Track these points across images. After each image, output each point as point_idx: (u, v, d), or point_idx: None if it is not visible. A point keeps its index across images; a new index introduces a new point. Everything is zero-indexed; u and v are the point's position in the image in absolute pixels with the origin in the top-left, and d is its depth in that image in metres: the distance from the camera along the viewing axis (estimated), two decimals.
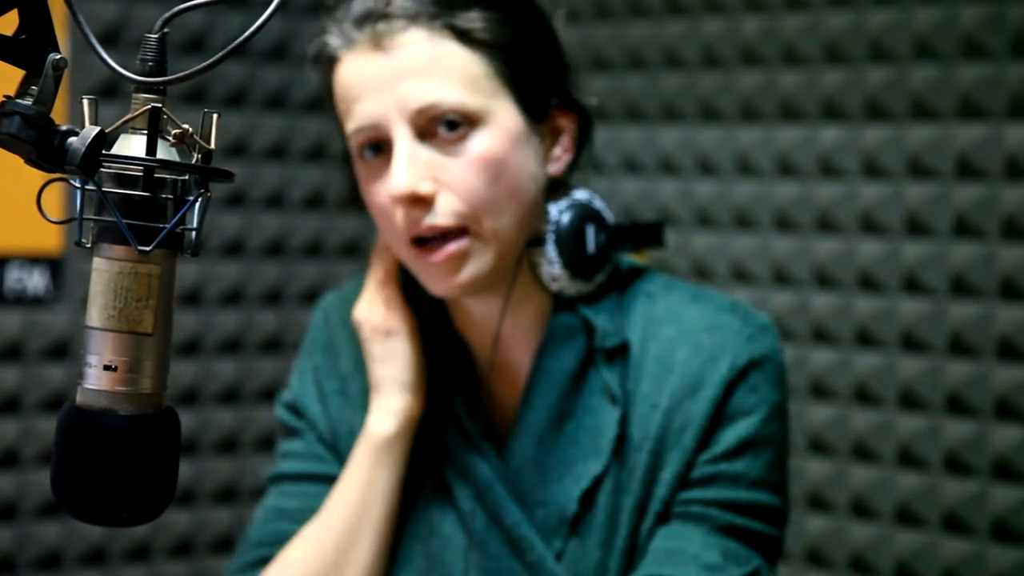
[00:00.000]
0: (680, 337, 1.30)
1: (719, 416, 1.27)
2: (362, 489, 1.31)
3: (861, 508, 2.24)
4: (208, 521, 2.62)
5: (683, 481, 1.27)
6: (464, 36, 1.24)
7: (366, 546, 1.31)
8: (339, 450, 1.37)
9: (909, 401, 2.19)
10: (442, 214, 1.24)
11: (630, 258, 1.38)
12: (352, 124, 1.26)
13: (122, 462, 0.77)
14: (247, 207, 2.68)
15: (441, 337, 1.35)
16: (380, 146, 1.26)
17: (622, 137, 2.54)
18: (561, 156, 1.32)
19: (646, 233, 1.36)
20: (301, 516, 1.34)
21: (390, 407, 1.32)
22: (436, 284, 1.27)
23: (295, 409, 1.41)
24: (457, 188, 1.24)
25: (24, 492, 2.42)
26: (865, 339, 2.24)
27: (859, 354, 2.25)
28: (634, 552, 1.27)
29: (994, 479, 2.10)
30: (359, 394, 1.37)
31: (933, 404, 2.16)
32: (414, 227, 1.25)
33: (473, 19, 1.24)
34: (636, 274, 1.35)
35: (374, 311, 1.34)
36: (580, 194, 1.32)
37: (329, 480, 1.35)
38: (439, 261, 1.25)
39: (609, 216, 1.32)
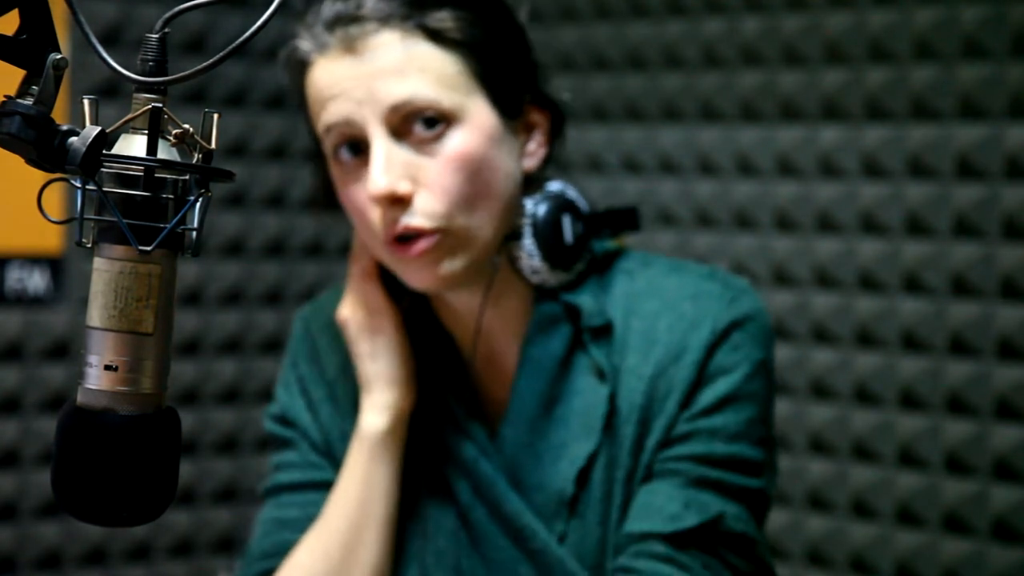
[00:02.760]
0: (663, 308, 1.31)
1: (701, 377, 1.28)
2: (361, 488, 1.31)
3: (861, 508, 2.24)
4: (208, 521, 2.62)
5: (664, 441, 1.28)
6: (436, 36, 1.25)
7: (371, 545, 1.31)
8: (334, 456, 1.37)
9: (909, 401, 2.19)
10: (420, 215, 1.25)
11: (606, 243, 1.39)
12: (325, 123, 1.27)
13: (122, 462, 0.77)
14: (247, 207, 2.68)
15: (427, 333, 1.36)
16: (356, 146, 1.27)
17: (622, 137, 2.54)
18: (536, 151, 1.33)
19: (621, 218, 1.37)
20: (302, 525, 1.34)
21: (381, 403, 1.32)
22: (415, 278, 1.28)
23: (284, 420, 1.41)
24: (434, 187, 1.25)
25: (24, 492, 2.42)
26: (865, 339, 2.24)
27: (859, 354, 2.25)
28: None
29: (994, 479, 2.10)
30: (347, 399, 1.37)
31: (933, 404, 2.16)
32: (392, 227, 1.25)
33: (444, 19, 1.25)
34: (614, 255, 1.36)
35: (358, 309, 1.35)
36: (554, 185, 1.33)
37: (327, 487, 1.35)
38: (415, 256, 1.26)
39: (584, 205, 1.33)
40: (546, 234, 1.30)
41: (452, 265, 1.27)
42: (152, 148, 0.76)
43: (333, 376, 1.39)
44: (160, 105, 0.77)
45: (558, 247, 1.30)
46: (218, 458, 2.64)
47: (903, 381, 2.19)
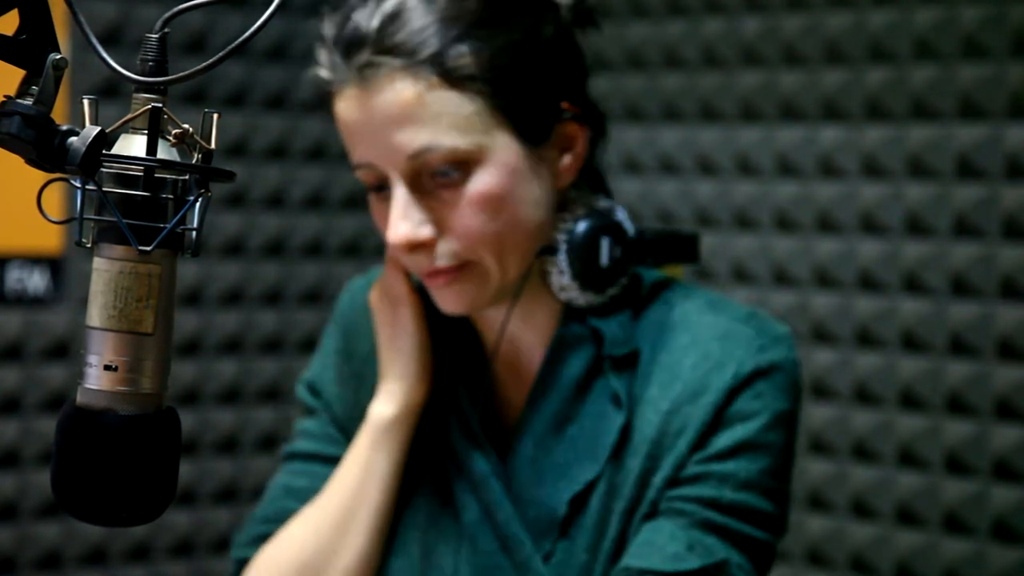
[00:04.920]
0: (691, 345, 1.28)
1: (718, 420, 1.26)
2: (360, 472, 1.32)
3: (861, 508, 2.24)
4: (208, 521, 2.62)
5: (673, 480, 1.26)
6: (452, 77, 1.21)
7: (362, 530, 1.32)
8: (351, 434, 1.37)
9: (909, 401, 2.19)
10: (444, 256, 1.24)
11: (660, 271, 1.36)
12: (354, 162, 1.26)
13: (122, 462, 0.77)
14: (247, 207, 2.68)
15: (457, 330, 1.36)
16: (384, 185, 1.25)
17: (622, 137, 2.54)
18: (571, 165, 1.29)
19: (672, 247, 1.33)
20: (307, 495, 1.35)
21: (392, 392, 1.32)
22: (445, 305, 1.28)
23: (313, 389, 1.42)
24: (458, 231, 1.23)
25: (24, 492, 2.42)
26: (865, 339, 2.24)
27: (859, 354, 2.25)
28: (620, 556, 1.26)
29: (994, 479, 2.10)
30: (375, 379, 1.37)
31: (933, 404, 2.16)
32: (417, 269, 1.26)
33: (462, 55, 1.21)
34: (661, 286, 1.34)
35: (384, 297, 1.35)
36: (603, 203, 1.30)
37: (338, 462, 1.36)
38: (442, 286, 1.26)
39: (630, 228, 1.29)
40: (581, 253, 1.26)
41: (481, 293, 1.26)
42: (152, 148, 0.76)
43: (365, 355, 1.39)
44: (160, 105, 0.77)
45: (592, 268, 1.27)
46: (218, 458, 2.64)
47: (903, 381, 2.19)
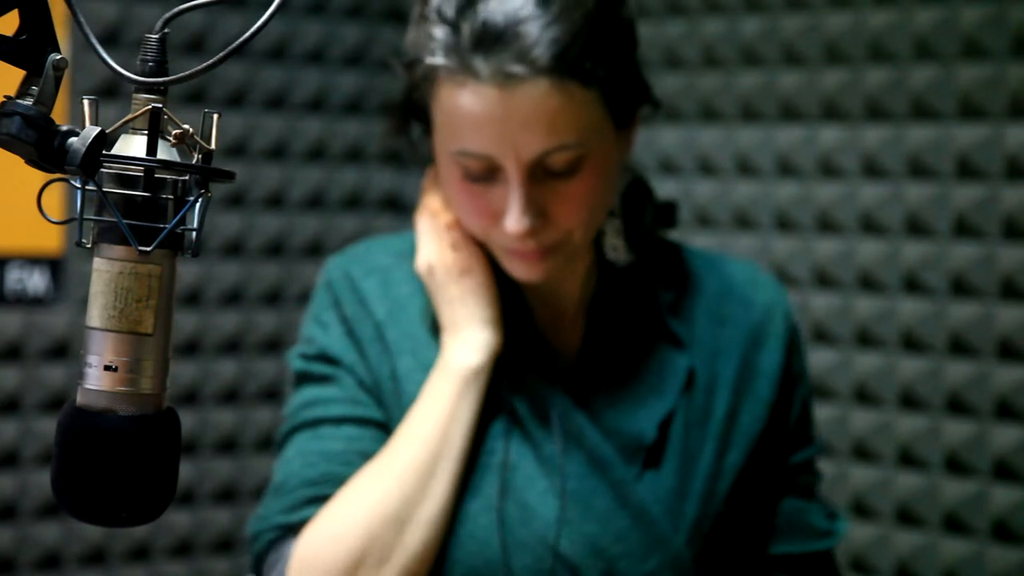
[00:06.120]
0: (725, 290, 1.41)
1: (788, 375, 1.40)
2: (444, 421, 1.33)
3: (861, 508, 2.24)
4: (208, 521, 2.62)
5: (774, 439, 1.39)
6: (586, 80, 1.26)
7: (445, 477, 1.32)
8: (381, 395, 1.38)
9: (909, 401, 2.19)
10: (545, 240, 1.30)
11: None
12: (461, 148, 1.28)
13: (122, 463, 0.77)
14: (247, 207, 2.68)
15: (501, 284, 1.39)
16: (486, 174, 1.29)
17: None
18: (632, 140, 1.38)
19: (666, 211, 1.47)
20: (348, 458, 1.34)
21: (475, 342, 1.35)
22: (520, 272, 1.33)
23: (325, 358, 1.41)
24: (564, 221, 1.29)
25: (24, 492, 2.42)
26: (865, 339, 2.24)
27: (859, 354, 2.25)
28: (718, 479, 1.36)
29: (994, 479, 2.10)
30: (400, 340, 1.39)
31: (933, 404, 2.16)
32: (507, 246, 1.30)
33: (593, 59, 1.26)
34: (663, 239, 1.45)
35: (444, 254, 1.37)
36: (633, 165, 1.41)
37: (371, 424, 1.37)
38: (533, 261, 1.31)
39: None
40: (633, 216, 1.38)
41: (560, 264, 1.33)
42: (152, 148, 0.76)
43: (382, 318, 1.40)
44: (160, 105, 0.77)
45: (639, 230, 1.39)
46: (218, 458, 2.64)
47: (903, 381, 2.19)
